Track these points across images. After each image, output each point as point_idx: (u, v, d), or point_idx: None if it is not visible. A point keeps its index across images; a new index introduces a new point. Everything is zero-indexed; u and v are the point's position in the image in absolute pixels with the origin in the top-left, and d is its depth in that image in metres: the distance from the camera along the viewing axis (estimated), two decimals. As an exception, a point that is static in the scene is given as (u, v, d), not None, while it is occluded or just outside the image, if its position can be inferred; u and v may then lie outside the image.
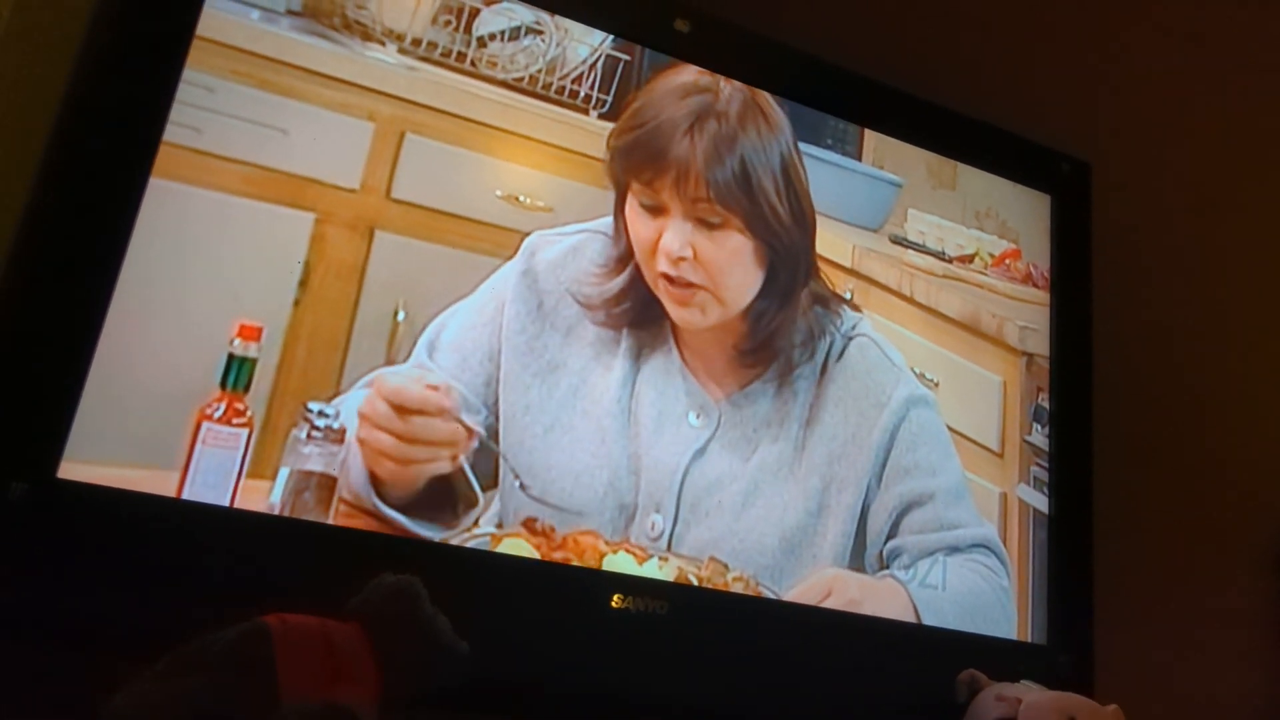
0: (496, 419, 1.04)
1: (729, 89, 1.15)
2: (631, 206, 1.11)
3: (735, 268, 1.12)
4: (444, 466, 1.00)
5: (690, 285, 1.10)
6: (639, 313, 1.11)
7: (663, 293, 1.11)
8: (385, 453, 0.97)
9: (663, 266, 1.10)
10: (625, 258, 1.11)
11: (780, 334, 1.15)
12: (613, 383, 1.09)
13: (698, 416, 1.11)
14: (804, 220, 1.16)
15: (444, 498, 1.00)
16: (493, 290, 1.06)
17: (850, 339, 1.18)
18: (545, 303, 1.08)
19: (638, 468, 1.07)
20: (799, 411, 1.14)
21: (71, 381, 0.86)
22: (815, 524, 1.11)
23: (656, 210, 1.10)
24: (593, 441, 1.07)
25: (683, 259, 1.09)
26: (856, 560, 1.12)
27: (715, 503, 1.09)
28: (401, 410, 0.98)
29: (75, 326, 0.87)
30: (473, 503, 1.01)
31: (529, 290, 1.08)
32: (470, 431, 1.01)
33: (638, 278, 1.11)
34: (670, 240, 1.09)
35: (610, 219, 1.12)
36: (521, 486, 1.02)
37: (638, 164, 1.10)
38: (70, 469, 0.84)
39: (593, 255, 1.11)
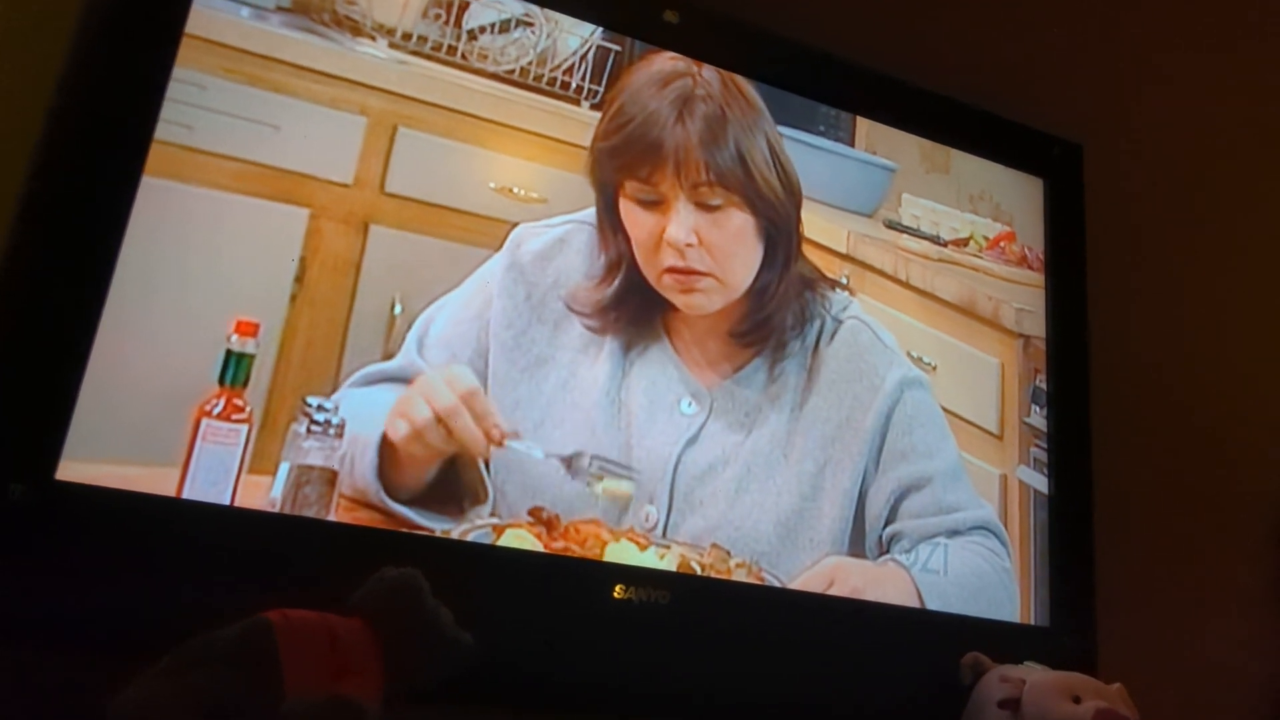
0: None
1: (704, 72, 1.14)
2: (626, 207, 1.10)
3: (739, 248, 1.12)
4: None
5: (696, 273, 1.10)
6: (633, 314, 1.11)
7: (667, 287, 1.10)
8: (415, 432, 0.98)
9: (669, 259, 1.09)
10: (617, 263, 1.10)
11: (780, 310, 1.14)
12: (601, 374, 1.09)
13: (690, 404, 1.11)
14: (792, 190, 1.16)
15: (452, 490, 1.01)
16: (479, 284, 1.06)
17: (841, 321, 1.18)
18: (533, 295, 1.08)
19: (629, 459, 1.07)
20: (791, 395, 1.14)
21: (68, 382, 0.86)
22: (811, 508, 1.11)
23: (655, 204, 1.10)
24: (583, 434, 1.07)
25: (690, 245, 1.09)
26: (856, 545, 1.12)
27: (709, 491, 1.09)
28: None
29: (71, 327, 0.87)
30: (480, 499, 1.01)
31: (515, 284, 1.08)
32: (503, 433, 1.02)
33: (634, 281, 1.10)
34: (675, 230, 1.09)
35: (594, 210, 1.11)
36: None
37: (632, 161, 1.10)
38: (70, 468, 0.84)
39: (579, 248, 1.10)
